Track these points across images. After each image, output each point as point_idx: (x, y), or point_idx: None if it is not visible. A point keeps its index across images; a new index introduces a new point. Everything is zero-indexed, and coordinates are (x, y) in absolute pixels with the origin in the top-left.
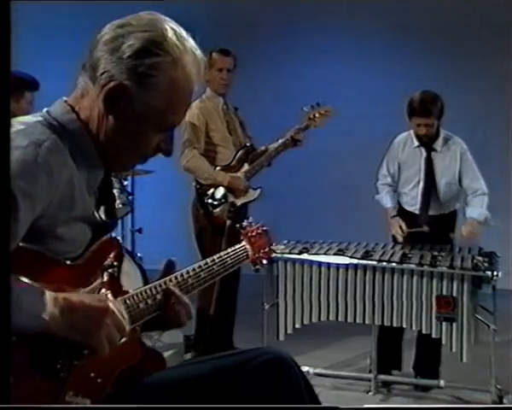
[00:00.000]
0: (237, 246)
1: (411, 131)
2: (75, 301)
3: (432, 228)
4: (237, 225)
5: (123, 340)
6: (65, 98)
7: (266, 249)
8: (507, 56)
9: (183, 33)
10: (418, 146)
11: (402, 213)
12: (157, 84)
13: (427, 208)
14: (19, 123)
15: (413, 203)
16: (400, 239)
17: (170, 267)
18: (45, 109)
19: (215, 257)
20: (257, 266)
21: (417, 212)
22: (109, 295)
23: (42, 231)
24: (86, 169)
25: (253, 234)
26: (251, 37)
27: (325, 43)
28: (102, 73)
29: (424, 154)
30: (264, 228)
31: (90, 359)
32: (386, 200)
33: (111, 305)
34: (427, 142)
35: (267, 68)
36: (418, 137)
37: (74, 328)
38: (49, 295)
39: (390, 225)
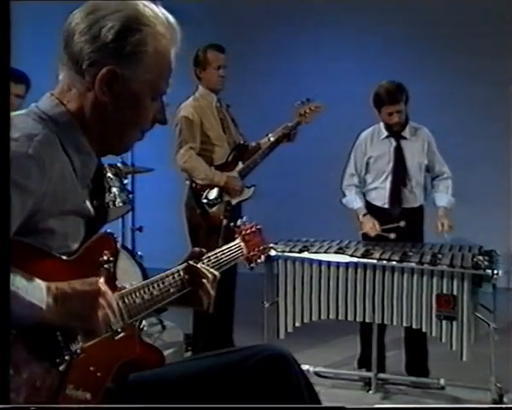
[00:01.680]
0: (232, 244)
1: (378, 125)
2: (67, 288)
3: (405, 222)
4: (231, 224)
5: (121, 334)
6: (52, 92)
7: (261, 248)
8: (508, 55)
9: (152, 4)
10: (387, 136)
11: (372, 210)
12: (145, 58)
13: (399, 200)
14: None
15: (384, 197)
16: (373, 234)
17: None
18: (33, 104)
19: (210, 254)
20: (252, 265)
21: (387, 206)
22: (99, 279)
23: (35, 225)
24: (79, 161)
25: (248, 232)
26: (247, 34)
27: (323, 40)
28: (90, 64)
29: (394, 143)
30: (258, 227)
31: (88, 351)
32: (356, 200)
33: (102, 287)
34: (398, 130)
35: (263, 66)
36: (388, 127)
37: (70, 314)
38: (43, 285)
39: (361, 224)
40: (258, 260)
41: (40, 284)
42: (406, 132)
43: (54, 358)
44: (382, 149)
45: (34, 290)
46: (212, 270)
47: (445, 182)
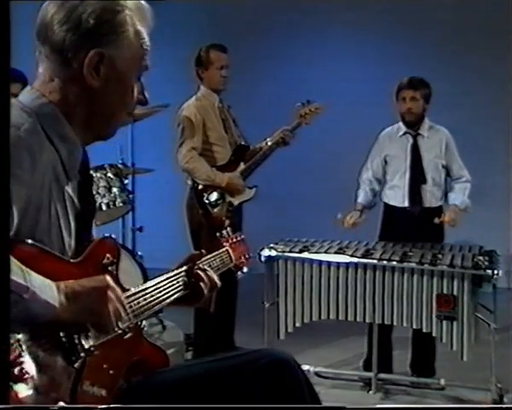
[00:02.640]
0: (222, 250)
1: (398, 124)
2: (76, 286)
3: (424, 220)
4: (217, 234)
5: (129, 335)
6: (32, 85)
7: (246, 256)
8: (508, 53)
9: None
10: (404, 133)
11: (390, 212)
12: (126, 38)
13: (417, 197)
14: None
15: (401, 196)
16: (346, 225)
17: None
18: (13, 99)
19: (203, 260)
20: (238, 273)
21: (405, 205)
22: (107, 276)
23: (29, 221)
24: (65, 151)
25: (234, 241)
26: (249, 35)
27: (325, 42)
28: (75, 51)
29: (410, 141)
30: (242, 236)
31: (100, 350)
32: (360, 195)
33: (110, 282)
34: (413, 122)
35: (264, 66)
36: (403, 119)
37: (81, 310)
38: (53, 284)
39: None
40: (244, 269)
41: (50, 282)
42: (423, 130)
43: (69, 355)
44: (399, 147)
45: (47, 289)
46: (212, 274)
47: (463, 185)
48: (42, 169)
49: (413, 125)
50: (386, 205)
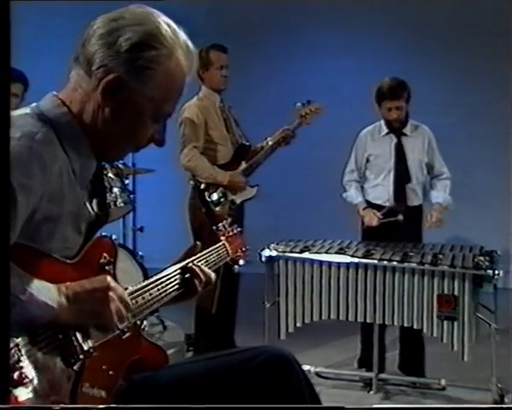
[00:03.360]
0: (218, 245)
1: (379, 122)
2: (77, 287)
3: (405, 219)
4: (213, 228)
5: (128, 334)
6: (55, 93)
7: (243, 249)
8: (508, 52)
9: (175, 26)
10: (387, 133)
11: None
12: (154, 76)
13: (402, 196)
14: None
15: (385, 195)
16: (375, 223)
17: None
18: (35, 104)
19: (199, 256)
20: (235, 266)
21: (388, 204)
22: (108, 276)
23: (33, 227)
24: (78, 162)
25: (230, 235)
26: (248, 35)
27: (324, 41)
28: (99, 67)
29: (394, 140)
30: (239, 229)
31: (100, 351)
32: (356, 195)
33: (111, 283)
34: (397, 127)
35: (265, 66)
36: (388, 123)
37: (83, 311)
38: (52, 286)
39: (362, 217)
40: (241, 263)
41: (49, 285)
42: (407, 130)
43: (69, 357)
44: (383, 147)
45: (45, 290)
46: (207, 271)
47: (444, 182)
48: (52, 178)
49: (398, 128)
50: (369, 203)
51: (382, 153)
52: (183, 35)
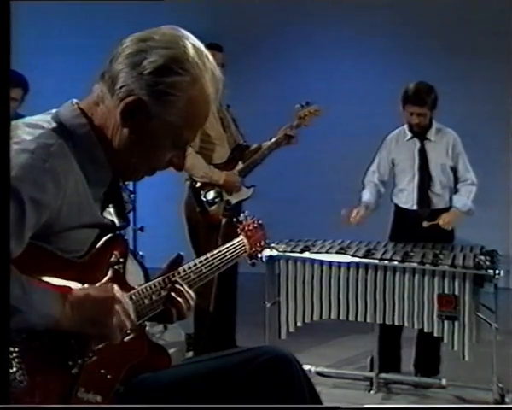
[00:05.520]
0: (235, 240)
1: (404, 127)
2: (82, 295)
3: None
4: (234, 220)
5: (130, 336)
6: (76, 101)
7: (262, 243)
8: (508, 54)
9: (204, 51)
10: (411, 138)
11: (400, 213)
12: (175, 102)
13: (426, 201)
14: (25, 124)
15: (410, 199)
16: (353, 221)
17: (179, 261)
18: (54, 110)
19: (215, 252)
20: (253, 260)
21: (415, 207)
22: (114, 286)
23: (51, 236)
24: (93, 174)
25: (250, 228)
26: (247, 34)
27: (323, 41)
28: (122, 87)
29: (418, 145)
30: (260, 222)
31: (99, 354)
32: (366, 194)
33: (117, 293)
34: (420, 132)
35: (263, 66)
36: (411, 127)
37: (86, 321)
38: (58, 294)
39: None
40: (259, 256)
41: (55, 294)
42: (431, 134)
43: (66, 361)
44: (407, 151)
45: (48, 300)
46: (188, 290)
47: (468, 187)
48: (68, 191)
49: (421, 133)
50: (396, 207)
51: (406, 158)
52: (210, 60)
